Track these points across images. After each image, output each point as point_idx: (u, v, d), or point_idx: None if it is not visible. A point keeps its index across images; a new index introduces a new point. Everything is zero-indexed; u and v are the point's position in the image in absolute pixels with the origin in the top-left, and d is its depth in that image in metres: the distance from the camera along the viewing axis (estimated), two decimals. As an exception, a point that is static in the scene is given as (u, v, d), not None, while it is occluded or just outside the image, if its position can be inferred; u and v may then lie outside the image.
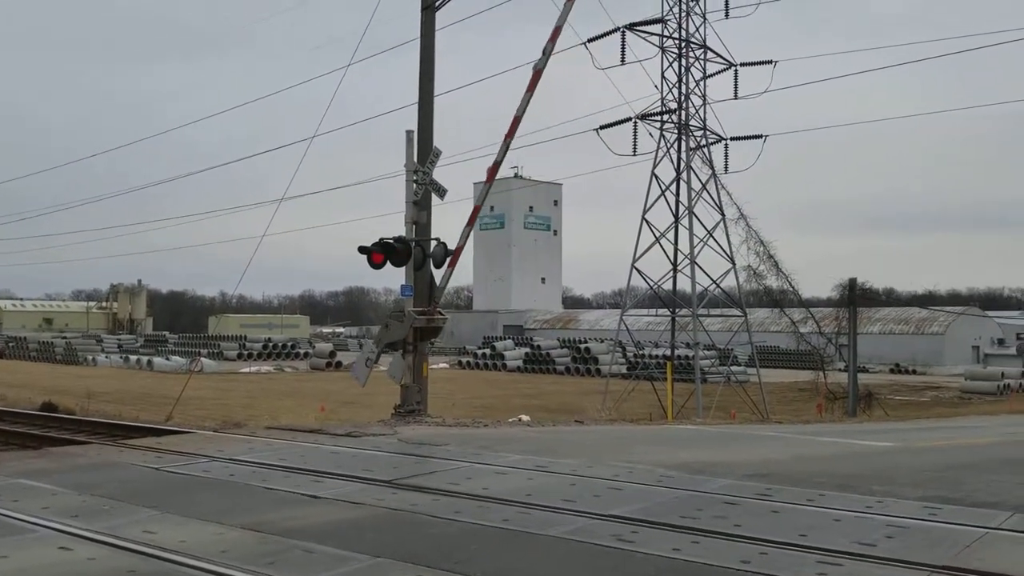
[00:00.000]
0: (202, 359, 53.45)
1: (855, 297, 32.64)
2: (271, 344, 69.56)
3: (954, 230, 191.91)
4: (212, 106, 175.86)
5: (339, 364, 59.81)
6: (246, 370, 54.74)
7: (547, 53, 15.56)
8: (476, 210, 15.77)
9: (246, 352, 66.65)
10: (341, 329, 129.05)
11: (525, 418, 20.08)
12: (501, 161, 15.67)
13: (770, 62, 31.82)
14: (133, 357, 61.42)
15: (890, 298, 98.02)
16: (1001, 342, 79.66)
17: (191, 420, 20.59)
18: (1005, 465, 12.14)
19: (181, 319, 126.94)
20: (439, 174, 16.18)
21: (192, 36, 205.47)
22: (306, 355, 66.18)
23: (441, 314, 16.12)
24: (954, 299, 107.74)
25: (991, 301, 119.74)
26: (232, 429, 14.48)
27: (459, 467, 9.74)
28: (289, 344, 70.98)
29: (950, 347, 72.84)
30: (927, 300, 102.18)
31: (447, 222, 17.12)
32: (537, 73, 15.52)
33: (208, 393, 34.34)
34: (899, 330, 77.13)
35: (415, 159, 16.11)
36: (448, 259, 15.72)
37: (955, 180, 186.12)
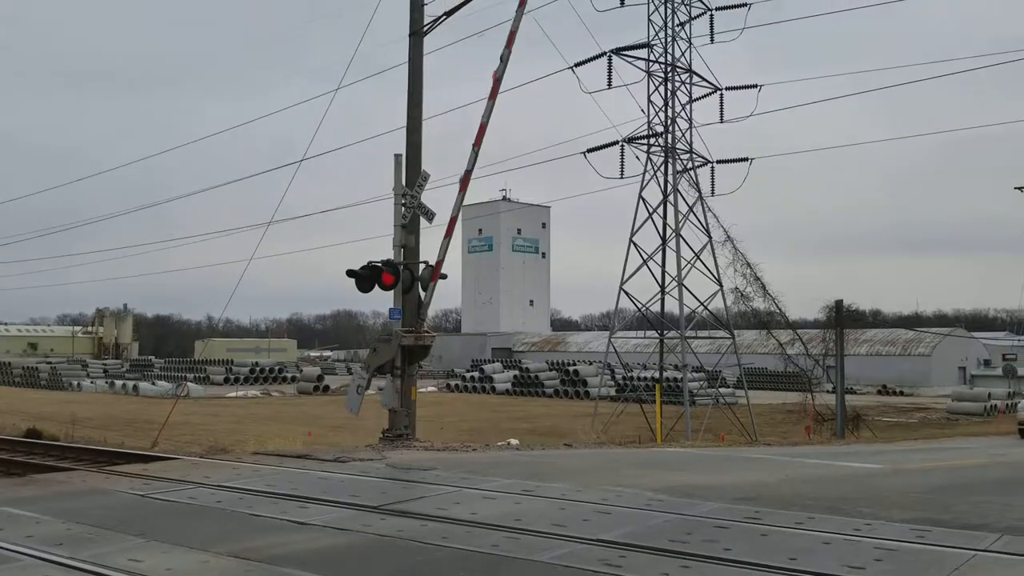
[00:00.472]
0: (188, 384, 53.12)
1: (842, 318, 32.79)
2: (258, 368, 69.21)
3: (939, 251, 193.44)
4: (196, 133, 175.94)
5: (327, 388, 59.56)
6: (233, 395, 54.41)
7: (504, 60, 15.87)
8: (452, 221, 15.81)
9: (233, 376, 66.28)
10: (329, 353, 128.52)
11: (514, 442, 20.01)
12: (471, 169, 15.86)
13: (755, 86, 32.16)
14: (119, 382, 60.99)
15: (876, 319, 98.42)
16: (987, 363, 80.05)
17: (177, 446, 20.42)
18: (992, 486, 12.18)
19: (167, 343, 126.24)
20: (427, 197, 16.23)
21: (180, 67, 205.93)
22: (293, 379, 65.86)
23: (428, 332, 16.10)
24: (940, 320, 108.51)
25: (977, 322, 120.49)
26: (219, 455, 14.36)
27: (447, 492, 9.68)
28: (276, 368, 70.64)
29: (937, 368, 73.15)
30: (913, 321, 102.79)
31: (435, 245, 17.10)
32: (496, 80, 15.83)
33: (195, 418, 34.09)
34: (886, 351, 77.45)
35: (403, 182, 16.15)
36: (430, 276, 15.74)
37: (935, 202, 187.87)
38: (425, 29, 16.80)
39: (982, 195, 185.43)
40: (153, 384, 58.63)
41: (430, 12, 16.76)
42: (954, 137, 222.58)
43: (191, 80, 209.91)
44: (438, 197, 15.92)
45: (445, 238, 15.75)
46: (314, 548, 7.01)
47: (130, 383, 59.16)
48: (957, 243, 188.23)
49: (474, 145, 15.80)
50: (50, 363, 73.72)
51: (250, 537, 7.41)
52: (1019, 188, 49.00)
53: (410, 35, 16.78)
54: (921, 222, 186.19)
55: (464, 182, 15.84)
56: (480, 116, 15.80)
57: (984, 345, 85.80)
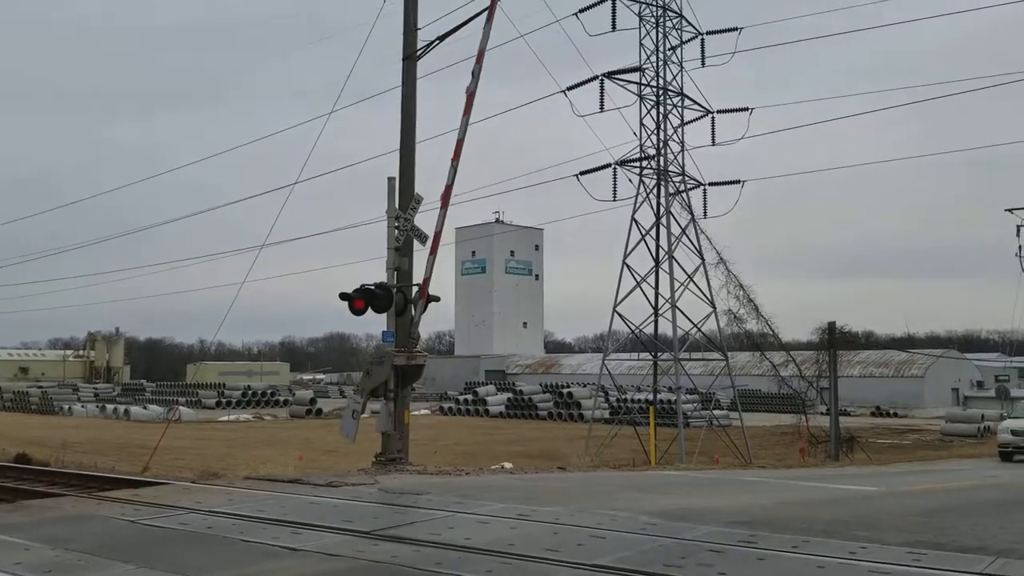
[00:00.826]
0: (180, 408, 52.82)
1: (835, 340, 32.84)
2: (250, 392, 68.86)
3: (930, 274, 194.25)
4: (185, 156, 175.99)
5: (319, 411, 59.26)
6: (225, 418, 54.11)
7: (475, 75, 16.13)
8: (436, 237, 15.85)
9: (225, 400, 65.93)
10: (322, 376, 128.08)
11: (508, 465, 19.92)
12: (452, 184, 15.98)
13: (746, 109, 32.41)
14: (110, 406, 60.55)
15: (869, 341, 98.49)
16: (980, 384, 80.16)
17: (169, 471, 20.27)
18: (987, 509, 12.16)
19: (159, 367, 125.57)
20: (420, 220, 16.27)
21: (174, 87, 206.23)
22: (286, 403, 65.55)
23: (421, 352, 16.07)
24: (933, 342, 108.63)
25: (969, 343, 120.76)
26: (210, 480, 14.26)
27: (441, 516, 9.62)
28: (269, 392, 70.30)
29: (930, 389, 73.22)
30: (906, 343, 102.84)
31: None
32: (470, 96, 16.07)
33: (186, 443, 33.86)
34: (879, 373, 77.52)
35: (397, 205, 16.19)
36: (419, 294, 15.80)
37: (929, 224, 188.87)
38: (419, 53, 16.90)
39: (973, 217, 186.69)
40: (144, 408, 58.24)
41: (424, 37, 16.88)
42: (944, 159, 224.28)
43: (202, 97, 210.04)
44: (430, 218, 15.97)
45: (430, 255, 15.82)
46: (307, 574, 6.94)
47: (121, 407, 58.75)
48: (948, 265, 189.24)
49: (452, 160, 16.03)
50: (41, 387, 73.19)
51: (242, 563, 7.34)
52: (1009, 210, 49.35)
53: (403, 59, 16.88)
54: (912, 244, 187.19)
55: (445, 198, 15.98)
56: (458, 132, 16.05)
57: (977, 366, 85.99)
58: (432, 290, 16.19)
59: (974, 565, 7.08)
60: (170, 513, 10.02)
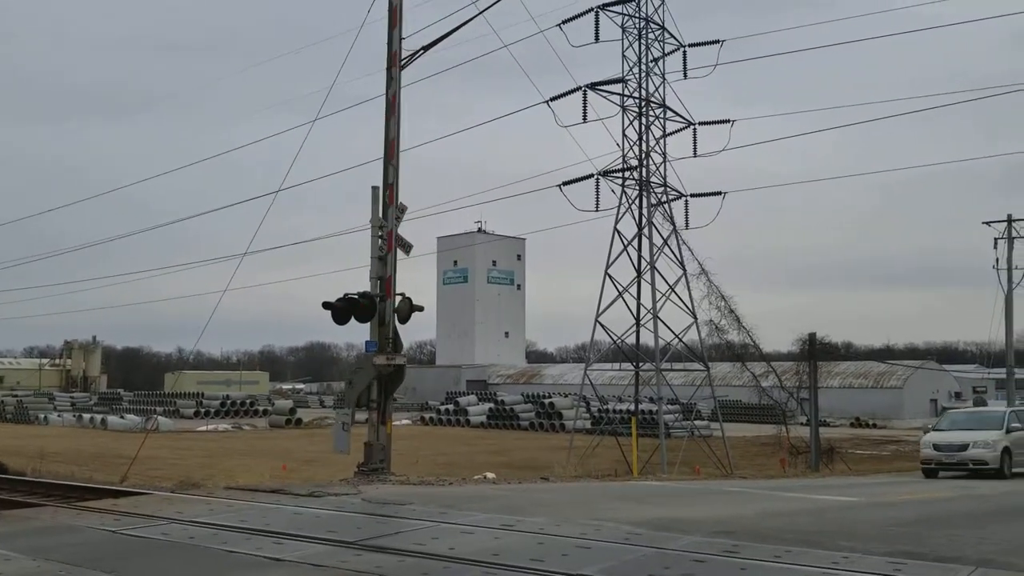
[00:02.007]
0: (158, 417, 52.36)
1: (815, 351, 33.06)
2: (229, 401, 68.37)
3: (908, 285, 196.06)
4: (164, 164, 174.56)
5: (299, 421, 58.92)
6: (203, 428, 53.70)
7: (395, 78, 16.44)
8: (390, 235, 15.96)
9: (203, 410, 65.44)
10: (302, 385, 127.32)
11: (490, 475, 19.89)
12: (393, 183, 16.21)
13: (728, 121, 32.63)
14: (86, 416, 59.91)
15: (849, 352, 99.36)
16: (958, 395, 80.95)
17: (148, 481, 20.08)
18: (965, 519, 12.29)
19: (136, 376, 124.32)
20: (404, 229, 16.28)
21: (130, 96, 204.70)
22: (265, 412, 65.14)
23: (401, 355, 16.04)
24: (911, 353, 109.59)
25: (947, 355, 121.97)
26: (190, 490, 14.15)
27: (425, 527, 9.61)
28: (248, 401, 69.83)
29: (909, 400, 73.83)
30: (885, 354, 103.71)
31: (413, 277, 17.17)
32: (393, 97, 16.39)
33: (164, 452, 33.57)
34: (858, 384, 78.10)
35: (380, 214, 16.18)
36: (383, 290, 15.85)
37: (905, 236, 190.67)
38: (403, 63, 16.93)
39: (951, 230, 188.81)
40: (122, 418, 57.66)
41: (408, 46, 16.91)
42: (923, 173, 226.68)
43: (183, 102, 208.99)
44: (413, 228, 16.04)
45: (389, 252, 15.85)
46: (290, 585, 6.92)
47: (98, 416, 58.13)
48: (926, 276, 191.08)
49: (389, 159, 16.23)
50: (16, 396, 72.35)
51: (225, 574, 7.30)
52: (987, 223, 49.98)
53: (387, 68, 16.89)
54: (891, 256, 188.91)
55: (391, 195, 16.16)
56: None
57: (955, 378, 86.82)
58: (414, 299, 16.18)
59: (954, 574, 7.17)
60: (151, 523, 9.95)
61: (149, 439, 28.66)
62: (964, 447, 22.06)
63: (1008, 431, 22.53)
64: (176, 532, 9.38)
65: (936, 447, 22.68)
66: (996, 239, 48.90)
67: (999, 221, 49.29)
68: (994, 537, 9.95)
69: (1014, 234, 48.37)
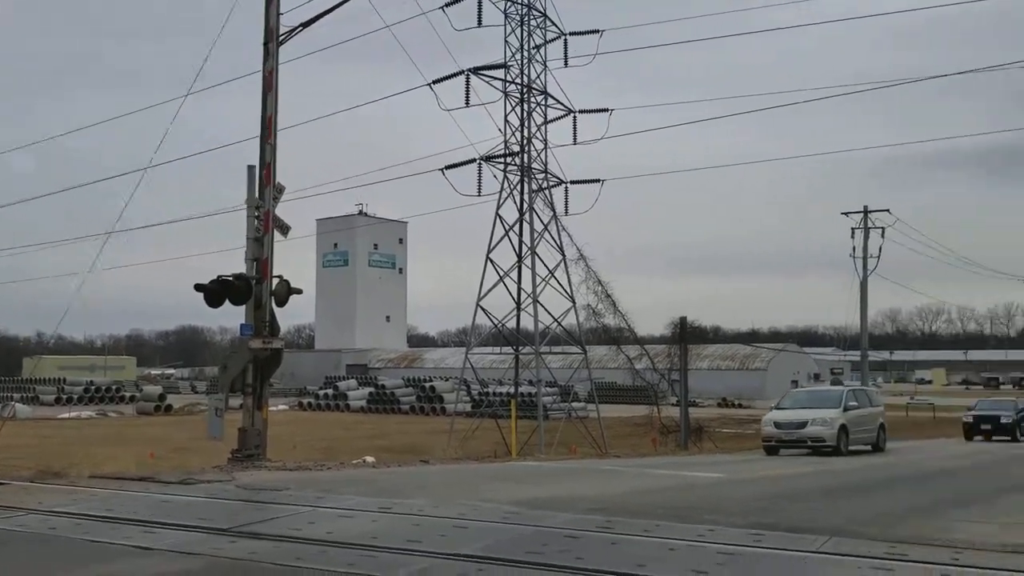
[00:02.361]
0: (15, 404, 49.42)
1: (686, 334, 34.32)
2: (93, 387, 65.27)
3: (774, 272, 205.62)
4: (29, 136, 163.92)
5: (169, 408, 56.86)
6: (66, 415, 51.03)
7: (272, 54, 16.21)
8: (267, 215, 15.67)
9: (65, 396, 62.25)
10: (172, 371, 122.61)
11: (370, 459, 19.76)
12: (270, 162, 15.97)
13: (606, 110, 33.28)
14: (-67, 403, 55.99)
15: (717, 335, 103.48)
16: (817, 377, 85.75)
17: (4, 471, 18.95)
18: (820, 493, 13.10)
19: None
20: (282, 210, 15.94)
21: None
22: (132, 398, 62.57)
23: (278, 338, 15.73)
24: (775, 337, 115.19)
25: (808, 338, 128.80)
26: (51, 479, 13.46)
27: (301, 512, 9.50)
28: (114, 387, 66.85)
29: (772, 382, 77.60)
30: (751, 338, 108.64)
31: (290, 258, 16.83)
32: (270, 73, 16.17)
33: (23, 440, 31.71)
34: (725, 366, 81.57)
35: (257, 194, 15.78)
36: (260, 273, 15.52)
37: (772, 225, 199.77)
38: (281, 39, 16.50)
39: (812, 219, 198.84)
40: (-27, 405, 54.17)
41: (288, 22, 16.49)
42: (786, 163, 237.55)
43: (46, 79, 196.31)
44: (292, 209, 15.72)
45: (266, 233, 15.65)
46: (161, 573, 6.73)
47: (-53, 404, 54.43)
48: (789, 264, 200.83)
49: (267, 140, 15.95)
50: None
51: (90, 565, 7.03)
52: (845, 214, 52.96)
53: (264, 44, 16.43)
54: (755, 243, 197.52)
55: (267, 175, 15.92)
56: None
57: (815, 360, 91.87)
58: (292, 282, 15.89)
59: (810, 544, 7.65)
60: (8, 514, 9.44)
61: (5, 427, 27.06)
62: (803, 425, 22.41)
63: (845, 409, 23.02)
64: (35, 523, 8.94)
65: (777, 425, 23.07)
66: (853, 228, 51.95)
67: (856, 212, 52.35)
68: (845, 511, 10.65)
69: (869, 224, 51.53)
